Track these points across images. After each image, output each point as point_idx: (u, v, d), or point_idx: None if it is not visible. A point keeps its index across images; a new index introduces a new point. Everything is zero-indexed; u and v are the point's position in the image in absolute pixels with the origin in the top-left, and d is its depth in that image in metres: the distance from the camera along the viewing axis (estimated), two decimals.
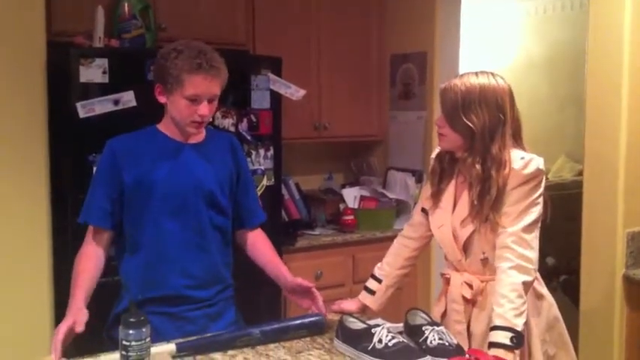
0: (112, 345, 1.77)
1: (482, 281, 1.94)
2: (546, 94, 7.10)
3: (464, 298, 1.97)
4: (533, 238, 1.87)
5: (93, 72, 2.70)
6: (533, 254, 1.86)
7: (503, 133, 1.89)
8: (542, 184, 1.90)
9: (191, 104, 1.96)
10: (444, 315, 2.05)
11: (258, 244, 2.24)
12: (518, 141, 1.95)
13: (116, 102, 2.72)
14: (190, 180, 2.05)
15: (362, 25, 3.87)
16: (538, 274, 2.00)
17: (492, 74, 1.93)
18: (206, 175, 2.08)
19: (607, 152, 2.79)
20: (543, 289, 2.04)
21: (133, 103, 2.73)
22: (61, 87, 2.75)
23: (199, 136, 2.10)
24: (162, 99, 2.02)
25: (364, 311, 2.16)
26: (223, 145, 2.17)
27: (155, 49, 2.98)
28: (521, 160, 1.88)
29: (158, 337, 1.83)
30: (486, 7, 7.43)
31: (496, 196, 1.86)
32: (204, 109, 1.98)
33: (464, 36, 3.92)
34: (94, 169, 2.08)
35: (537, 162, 1.90)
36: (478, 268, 1.97)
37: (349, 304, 2.17)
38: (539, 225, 1.91)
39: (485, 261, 1.95)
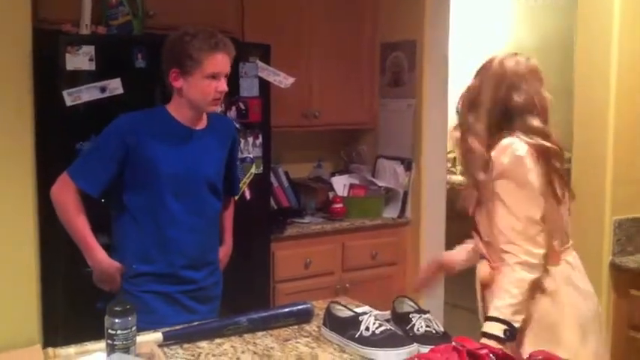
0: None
1: (491, 268, 1.86)
2: None
3: (481, 282, 1.93)
4: (537, 232, 1.77)
5: (79, 59, 2.67)
6: (539, 250, 1.77)
7: (478, 116, 1.87)
8: (530, 177, 1.78)
9: (210, 82, 2.09)
10: None
11: (224, 211, 2.47)
12: (510, 128, 1.84)
13: (103, 89, 2.69)
14: (196, 167, 2.18)
15: (353, 13, 3.85)
16: (552, 270, 1.86)
17: (500, 59, 1.92)
18: (210, 162, 2.23)
19: (595, 141, 2.80)
20: (550, 286, 1.86)
21: (120, 91, 2.71)
22: (48, 75, 2.72)
23: (204, 122, 2.22)
24: (177, 84, 2.13)
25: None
26: (225, 130, 2.33)
27: (143, 36, 2.99)
28: (499, 146, 1.81)
29: (152, 316, 1.96)
30: None
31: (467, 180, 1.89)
32: (224, 84, 2.13)
33: (453, 24, 3.91)
34: (104, 134, 2.17)
35: (514, 149, 1.79)
36: (487, 252, 1.91)
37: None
38: (549, 218, 1.80)
39: (488, 244, 1.88)
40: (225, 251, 2.50)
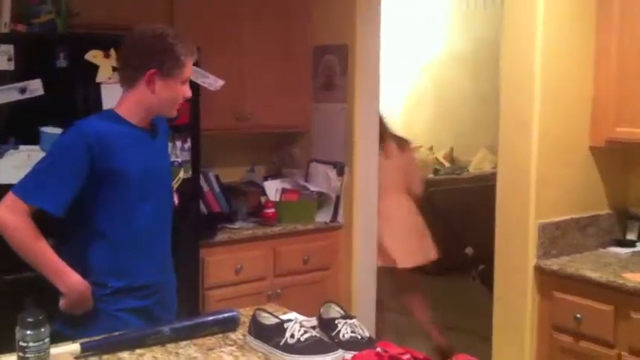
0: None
1: None
2: (469, 88, 7.27)
3: None
4: None
5: None
6: None
7: None
8: None
9: (182, 87, 2.03)
10: None
11: None
12: None
13: (23, 90, 2.59)
14: (158, 170, 2.12)
15: (284, 15, 3.83)
16: None
17: None
18: (166, 163, 2.22)
19: (520, 145, 2.85)
20: None
21: (41, 92, 2.61)
22: None
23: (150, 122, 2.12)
24: (152, 86, 1.99)
25: None
26: (164, 128, 2.23)
27: (65, 35, 2.89)
28: None
29: None
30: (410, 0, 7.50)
31: None
32: (189, 90, 2.08)
33: (386, 29, 3.94)
34: (57, 148, 1.99)
35: None
36: None
37: None
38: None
39: None
40: None
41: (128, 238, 2.04)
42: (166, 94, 2.02)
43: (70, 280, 1.98)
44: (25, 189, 1.94)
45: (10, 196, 1.94)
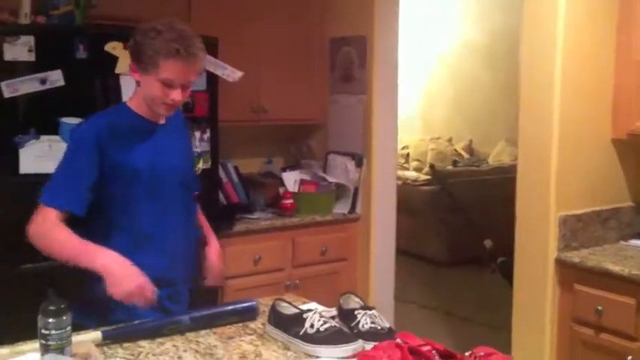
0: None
1: None
2: (487, 79, 7.22)
3: None
4: None
5: (18, 50, 2.58)
6: None
7: None
8: None
9: (164, 87, 1.95)
10: None
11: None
12: None
13: (43, 81, 2.60)
14: (169, 164, 2.09)
15: (302, 8, 3.82)
16: None
17: None
18: (179, 156, 2.17)
19: (540, 137, 2.82)
20: None
21: (61, 83, 2.63)
22: None
23: (164, 118, 2.11)
24: (135, 76, 2.00)
25: None
26: (180, 120, 2.22)
27: (85, 27, 2.90)
28: None
29: None
30: None
31: None
32: (177, 94, 1.97)
33: (404, 20, 3.92)
34: (70, 147, 1.99)
35: None
36: None
37: None
38: None
39: None
40: (214, 252, 2.35)
41: (136, 234, 2.04)
42: (145, 90, 1.98)
43: (101, 256, 1.88)
44: (47, 196, 1.94)
45: (39, 208, 1.92)
